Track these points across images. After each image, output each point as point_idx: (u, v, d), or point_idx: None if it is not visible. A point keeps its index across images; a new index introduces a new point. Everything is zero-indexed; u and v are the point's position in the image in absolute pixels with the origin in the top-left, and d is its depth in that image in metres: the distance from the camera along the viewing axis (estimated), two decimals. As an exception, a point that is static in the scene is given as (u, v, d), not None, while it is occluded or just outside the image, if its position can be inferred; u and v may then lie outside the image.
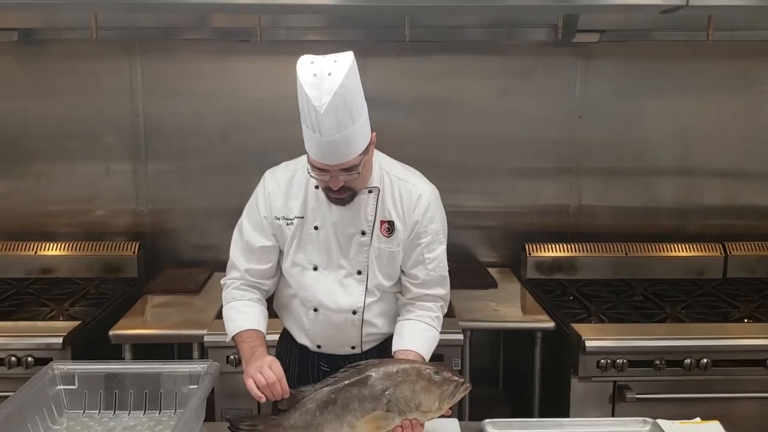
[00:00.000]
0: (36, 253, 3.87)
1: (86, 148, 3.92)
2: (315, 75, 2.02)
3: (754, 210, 4.07)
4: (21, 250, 3.88)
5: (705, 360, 2.98)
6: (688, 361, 2.98)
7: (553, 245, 3.92)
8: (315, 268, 2.35)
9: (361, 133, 2.12)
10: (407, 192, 2.32)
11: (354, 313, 2.36)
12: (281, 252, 2.40)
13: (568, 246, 3.93)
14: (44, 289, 3.68)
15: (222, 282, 2.45)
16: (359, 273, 2.35)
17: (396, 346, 2.32)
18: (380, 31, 3.78)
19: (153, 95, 3.89)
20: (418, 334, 2.33)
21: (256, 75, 3.88)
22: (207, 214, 3.99)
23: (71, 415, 2.28)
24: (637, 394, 2.97)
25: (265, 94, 3.89)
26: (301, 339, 2.47)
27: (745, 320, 3.29)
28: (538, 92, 3.93)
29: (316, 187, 2.31)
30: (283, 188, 2.35)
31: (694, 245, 3.95)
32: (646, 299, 3.57)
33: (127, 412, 2.31)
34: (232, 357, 3.02)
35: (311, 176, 2.21)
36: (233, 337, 2.33)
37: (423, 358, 2.27)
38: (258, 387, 2.10)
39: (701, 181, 4.05)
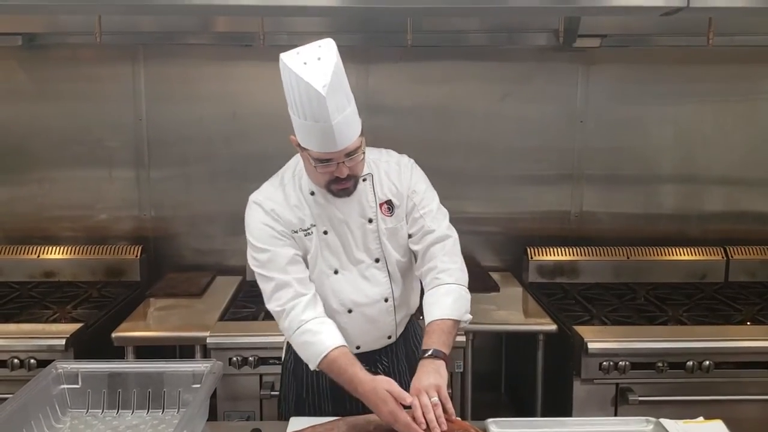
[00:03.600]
0: (39, 256, 3.88)
1: (89, 152, 3.93)
2: (306, 63, 2.03)
3: (755, 215, 4.07)
4: (24, 253, 3.88)
5: (707, 362, 2.98)
6: (690, 363, 2.98)
7: (555, 249, 3.93)
8: (336, 272, 2.35)
9: (355, 113, 2.15)
10: (392, 168, 2.37)
11: (386, 300, 2.38)
12: (306, 262, 2.36)
13: (570, 250, 3.94)
14: (47, 292, 3.68)
15: (275, 310, 2.26)
16: (377, 261, 2.36)
17: (425, 321, 2.27)
18: (382, 36, 3.79)
19: (156, 100, 3.90)
20: (427, 302, 2.29)
21: (259, 80, 3.88)
22: (209, 219, 4.00)
23: (74, 414, 2.28)
24: (640, 396, 2.97)
25: (267, 99, 3.86)
26: None
27: (747, 323, 3.29)
28: (539, 97, 3.95)
29: (312, 193, 2.30)
30: (282, 203, 2.30)
31: (696, 249, 3.95)
32: (648, 302, 3.57)
33: (131, 411, 2.31)
34: (234, 359, 3.02)
35: (316, 173, 2.19)
36: (321, 363, 2.17)
37: (453, 321, 2.24)
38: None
39: (702, 186, 4.05)
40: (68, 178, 3.95)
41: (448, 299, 2.27)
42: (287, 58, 2.06)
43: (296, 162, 2.35)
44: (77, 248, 3.92)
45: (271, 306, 2.28)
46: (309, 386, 2.45)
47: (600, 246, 3.96)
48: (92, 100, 3.89)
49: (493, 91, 3.95)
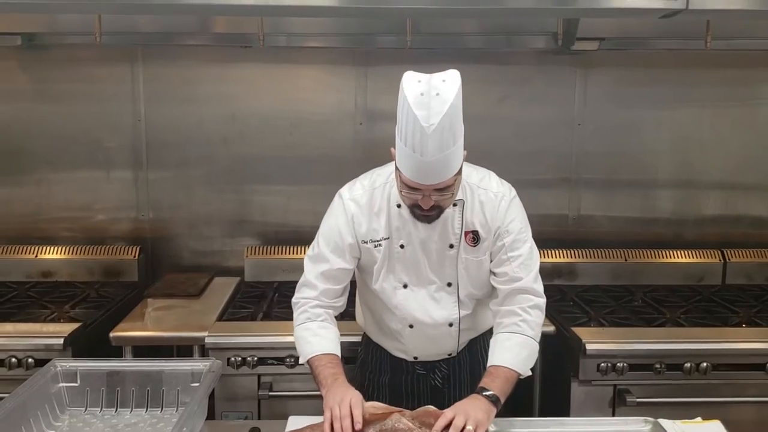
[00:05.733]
0: (36, 256, 3.87)
1: (88, 153, 3.93)
2: (422, 94, 1.98)
3: (752, 219, 4.09)
4: (21, 253, 3.88)
5: (705, 364, 2.98)
6: (688, 364, 2.98)
7: (553, 251, 3.92)
8: (405, 286, 2.35)
9: (460, 152, 2.09)
10: (488, 200, 2.31)
11: (450, 325, 2.37)
12: (370, 273, 2.38)
13: (568, 252, 3.94)
14: (45, 292, 3.67)
15: (294, 301, 2.40)
16: (449, 285, 2.34)
17: (491, 359, 2.26)
18: (381, 38, 3.79)
19: (155, 101, 3.90)
20: (500, 345, 2.26)
21: (258, 81, 3.90)
22: (207, 220, 4.01)
23: (73, 413, 2.28)
24: (638, 397, 2.97)
25: (266, 100, 3.91)
26: (397, 353, 2.49)
27: (744, 325, 3.30)
28: (537, 100, 3.95)
29: (398, 206, 2.28)
30: (366, 211, 2.31)
31: (693, 252, 3.96)
32: (646, 304, 3.58)
33: (129, 409, 2.31)
34: (233, 359, 3.02)
35: (402, 195, 2.18)
36: (309, 360, 2.28)
37: (509, 369, 2.21)
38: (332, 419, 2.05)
39: (700, 190, 4.06)
40: (66, 178, 3.95)
41: (524, 352, 2.25)
42: (407, 81, 2.03)
43: (392, 170, 2.28)
44: (75, 248, 3.91)
45: (295, 295, 2.41)
46: (371, 380, 2.53)
47: (598, 248, 3.96)
48: (91, 101, 3.88)
49: (491, 94, 3.95)
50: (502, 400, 2.18)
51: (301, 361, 2.33)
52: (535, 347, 2.30)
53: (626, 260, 3.93)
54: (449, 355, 2.47)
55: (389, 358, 2.52)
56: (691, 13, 2.58)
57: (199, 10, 3.19)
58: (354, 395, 2.10)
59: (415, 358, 2.47)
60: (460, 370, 2.50)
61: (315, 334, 2.30)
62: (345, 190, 2.37)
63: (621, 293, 3.75)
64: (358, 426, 2.02)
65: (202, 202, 3.99)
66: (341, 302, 2.41)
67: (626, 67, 3.92)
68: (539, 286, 2.34)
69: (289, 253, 3.88)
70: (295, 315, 2.39)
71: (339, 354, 2.29)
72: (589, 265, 3.92)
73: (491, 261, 2.34)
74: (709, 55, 3.63)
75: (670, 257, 3.95)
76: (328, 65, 3.93)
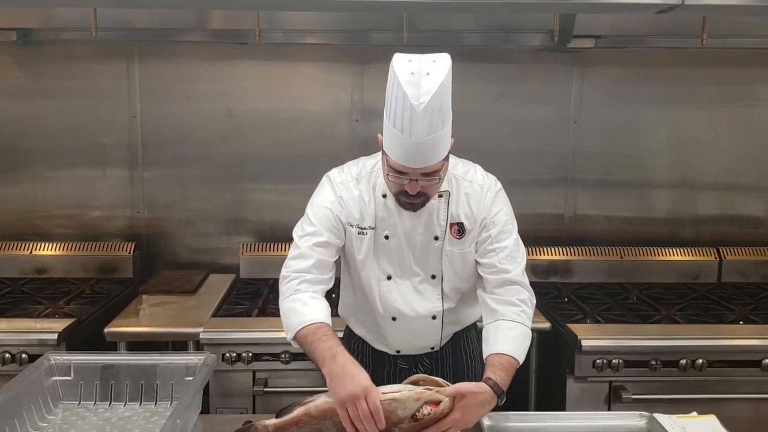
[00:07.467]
0: (31, 252, 3.86)
1: (83, 149, 3.92)
2: (413, 73, 1.98)
3: (748, 218, 4.10)
4: (16, 249, 3.87)
5: (700, 360, 2.99)
6: (683, 361, 2.99)
7: (549, 249, 3.93)
8: (389, 278, 2.32)
9: (447, 137, 2.08)
10: (474, 192, 2.28)
11: (433, 318, 2.35)
12: (354, 263, 2.35)
13: (563, 249, 3.94)
14: (39, 288, 3.67)
15: (284, 274, 2.26)
16: (433, 277, 2.32)
17: (486, 352, 2.16)
18: (377, 35, 3.78)
19: (151, 97, 3.90)
20: (504, 333, 2.17)
21: (254, 78, 3.90)
22: (203, 217, 4.00)
23: (66, 406, 2.26)
24: (633, 394, 2.97)
25: (262, 97, 3.91)
26: (379, 346, 2.46)
27: (740, 322, 3.30)
28: (534, 98, 3.95)
29: (384, 196, 2.27)
30: (355, 196, 2.29)
31: (689, 250, 3.97)
32: (641, 302, 3.58)
33: (123, 403, 2.28)
34: (227, 355, 3.01)
35: (388, 180, 2.17)
36: (298, 333, 2.11)
37: (516, 361, 2.13)
38: (351, 419, 1.92)
39: (696, 189, 4.06)
40: (62, 175, 3.94)
41: (525, 343, 2.20)
42: (398, 61, 2.03)
43: (378, 160, 2.27)
44: (70, 245, 3.90)
45: (283, 270, 2.27)
46: None
47: (593, 246, 3.96)
48: (87, 98, 3.88)
49: (487, 92, 3.94)
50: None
51: (289, 336, 2.16)
52: (530, 339, 2.26)
53: (622, 258, 3.93)
54: (432, 348, 2.44)
55: (371, 351, 2.48)
56: (687, 9, 2.57)
57: (194, 3, 3.18)
58: (364, 386, 1.92)
59: (398, 351, 2.44)
60: (443, 365, 2.47)
61: (306, 304, 2.16)
62: (334, 173, 2.35)
63: (617, 290, 3.75)
64: (382, 427, 1.92)
65: (197, 199, 3.99)
66: (331, 275, 2.29)
67: (623, 65, 3.92)
68: (527, 281, 2.32)
69: (285, 250, 3.79)
70: (282, 289, 2.24)
71: (330, 324, 2.14)
72: (584, 263, 3.92)
73: (476, 252, 2.32)
74: (705, 53, 3.64)
75: (666, 255, 3.95)
76: (324, 62, 3.92)
